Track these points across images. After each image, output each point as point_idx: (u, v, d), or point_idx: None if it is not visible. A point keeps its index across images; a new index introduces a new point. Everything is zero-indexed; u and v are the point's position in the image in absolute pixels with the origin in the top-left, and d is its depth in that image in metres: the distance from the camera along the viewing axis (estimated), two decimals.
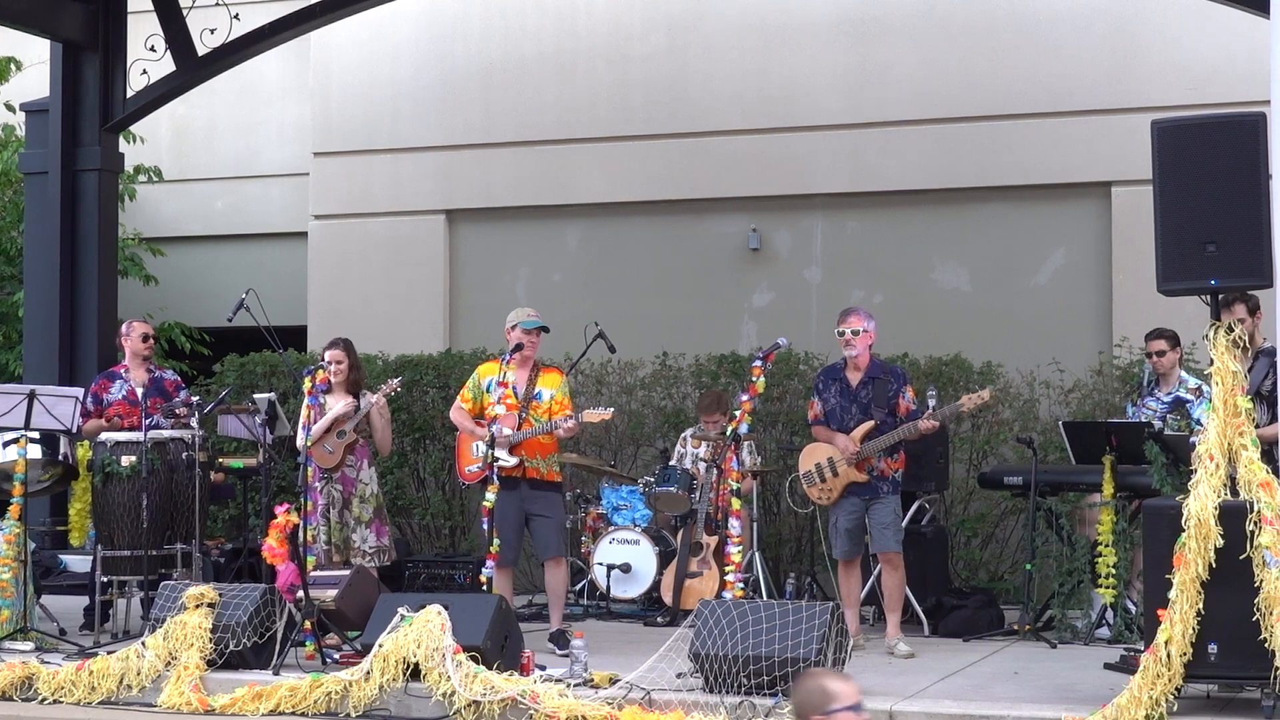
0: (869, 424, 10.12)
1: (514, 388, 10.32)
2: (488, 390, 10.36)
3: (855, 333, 10.17)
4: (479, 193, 15.34)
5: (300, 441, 10.64)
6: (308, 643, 9.68)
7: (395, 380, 11.17)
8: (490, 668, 8.77)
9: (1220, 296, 8.00)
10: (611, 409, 10.46)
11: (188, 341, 16.84)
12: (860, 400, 10.23)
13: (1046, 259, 13.72)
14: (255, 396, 12.09)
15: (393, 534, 11.42)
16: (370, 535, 10.91)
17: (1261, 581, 7.43)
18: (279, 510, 9.92)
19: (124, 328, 11.78)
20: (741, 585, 9.82)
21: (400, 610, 9.12)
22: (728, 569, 9.88)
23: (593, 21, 15.01)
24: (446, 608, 9.06)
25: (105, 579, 10.83)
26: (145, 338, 11.65)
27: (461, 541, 14.09)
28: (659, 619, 11.59)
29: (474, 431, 10.33)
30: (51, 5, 13.61)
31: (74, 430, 10.94)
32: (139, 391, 11.40)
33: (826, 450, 10.28)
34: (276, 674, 9.28)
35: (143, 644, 9.52)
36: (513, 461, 10.18)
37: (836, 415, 10.29)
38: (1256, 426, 8.18)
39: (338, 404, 10.91)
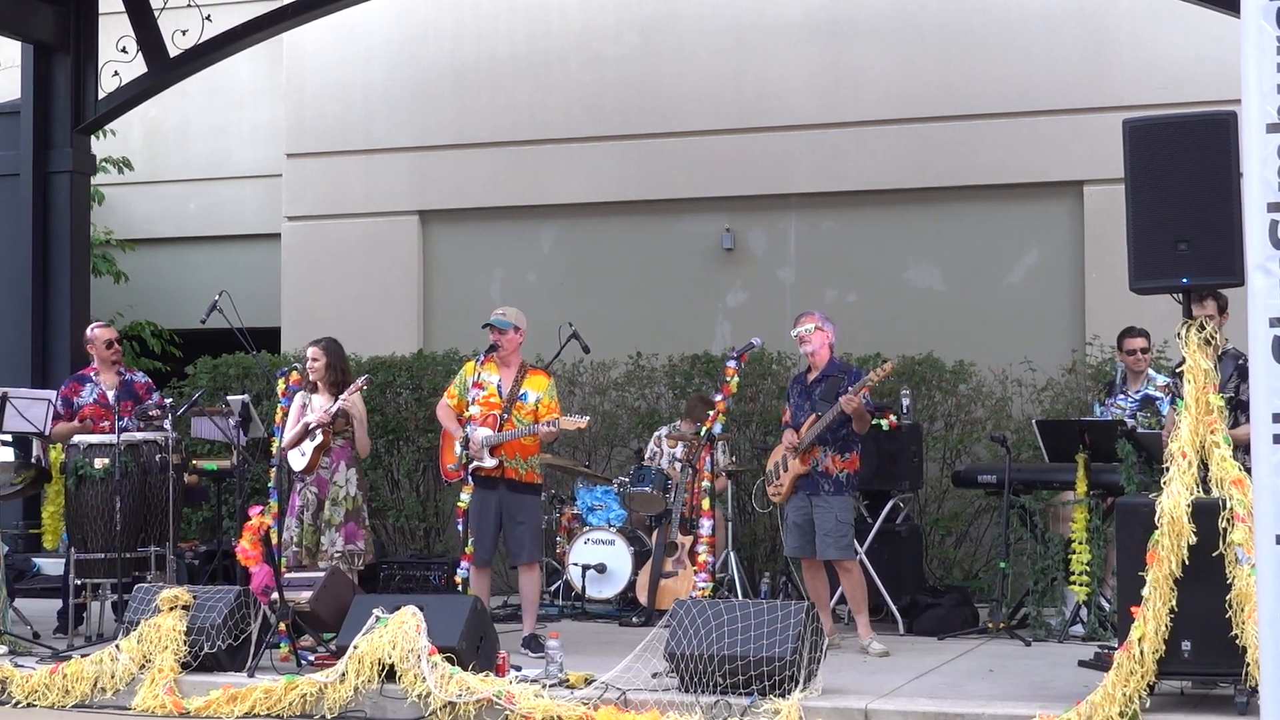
0: (812, 417, 10.13)
1: (499, 387, 10.29)
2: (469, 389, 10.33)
3: (809, 330, 10.19)
4: (453, 193, 15.32)
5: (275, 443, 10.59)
6: (282, 644, 9.66)
7: (361, 379, 11.01)
8: (466, 669, 8.77)
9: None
10: (587, 417, 10.43)
11: (157, 341, 16.83)
12: (813, 397, 10.24)
13: (1019, 258, 13.76)
14: (229, 398, 12.05)
15: (370, 538, 11.27)
16: (339, 539, 10.69)
17: (1234, 578, 7.46)
18: (253, 512, 9.89)
19: (88, 333, 11.69)
20: (704, 586, 9.78)
21: (375, 611, 9.11)
22: (693, 570, 9.88)
23: (566, 22, 15.01)
24: (422, 609, 9.05)
25: (79, 582, 10.79)
26: (109, 344, 11.57)
27: (436, 543, 14.08)
28: (634, 619, 11.60)
29: (455, 431, 10.29)
30: (22, 6, 13.56)
31: (46, 433, 10.90)
32: (110, 395, 11.36)
33: (782, 449, 10.34)
34: (251, 676, 9.26)
35: (117, 647, 9.49)
36: (493, 462, 10.16)
37: (795, 415, 10.33)
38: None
39: (318, 403, 10.84)
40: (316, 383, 10.88)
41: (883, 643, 10.08)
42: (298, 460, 10.64)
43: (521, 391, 10.30)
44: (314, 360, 10.95)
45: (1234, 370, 8.67)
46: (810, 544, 10.25)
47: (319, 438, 10.72)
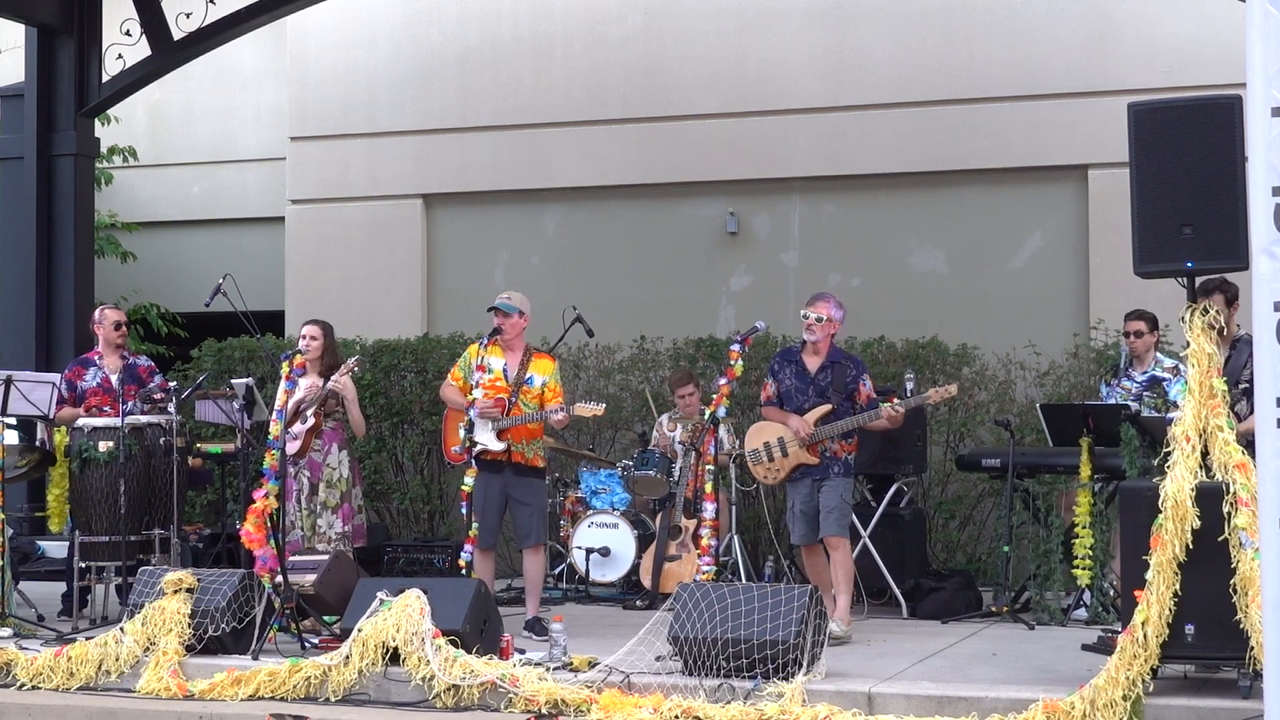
0: (825, 407, 10.01)
1: (505, 371, 10.28)
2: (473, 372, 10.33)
3: (820, 320, 10.06)
4: (456, 177, 15.33)
5: (273, 427, 10.59)
6: (273, 625, 9.64)
7: (353, 360, 10.98)
8: (469, 652, 8.79)
9: (1200, 283, 7.98)
10: (603, 405, 10.41)
11: (163, 324, 16.85)
12: (818, 384, 10.10)
13: (1023, 242, 13.75)
14: (233, 381, 12.07)
15: (366, 519, 11.25)
16: (336, 521, 10.76)
17: (1238, 562, 7.46)
18: (257, 495, 9.89)
19: (96, 314, 11.71)
20: (708, 569, 9.75)
21: (379, 595, 9.12)
22: (697, 554, 9.86)
23: (569, 5, 15.00)
24: (426, 592, 9.06)
25: (83, 565, 10.81)
26: (117, 325, 11.57)
27: (440, 525, 14.10)
28: (638, 602, 11.61)
29: (464, 407, 10.25)
30: None
31: (50, 416, 10.90)
32: (113, 378, 11.35)
33: (777, 430, 10.14)
34: (256, 659, 9.28)
35: (121, 630, 9.50)
36: (500, 446, 10.16)
37: (792, 397, 10.17)
38: (1242, 419, 8.20)
39: (306, 385, 10.84)
40: (305, 364, 10.82)
41: (844, 628, 9.80)
42: (289, 443, 10.60)
43: (527, 376, 10.29)
44: (312, 339, 10.93)
45: (1248, 357, 8.63)
46: (817, 530, 10.23)
47: (310, 420, 10.72)
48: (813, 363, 10.19)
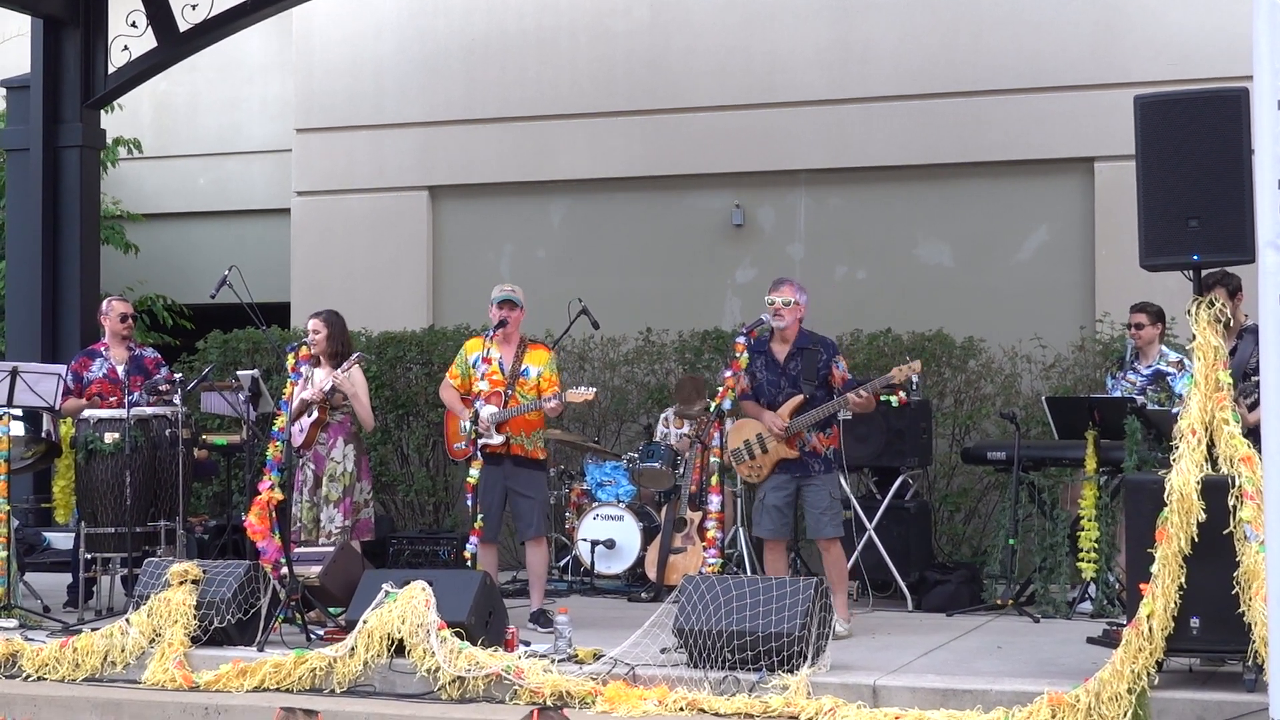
0: (798, 398, 9.80)
1: (500, 364, 10.30)
2: (474, 366, 10.32)
3: (786, 304, 9.82)
4: (462, 169, 15.32)
5: (279, 419, 10.58)
6: (279, 617, 9.64)
7: (355, 356, 10.91)
8: (475, 644, 8.78)
9: (1202, 277, 7.98)
10: (594, 389, 10.38)
11: (169, 316, 16.86)
12: (789, 374, 9.88)
13: (1029, 235, 13.74)
14: (239, 373, 12.05)
15: (369, 514, 11.22)
16: (337, 515, 10.72)
17: (1242, 556, 7.46)
18: (263, 487, 9.89)
19: (103, 306, 11.73)
20: (713, 562, 9.72)
21: (384, 586, 9.12)
22: (702, 546, 9.84)
23: None
24: (431, 584, 9.07)
25: (89, 556, 10.82)
26: (124, 317, 11.58)
27: (445, 518, 14.10)
28: (643, 595, 11.61)
29: (461, 412, 10.29)
30: None
31: (56, 408, 10.91)
32: (120, 370, 11.36)
33: (755, 426, 9.92)
34: (261, 650, 9.28)
35: (127, 621, 9.51)
36: (499, 439, 10.16)
37: (765, 390, 9.94)
38: (1251, 409, 8.19)
39: (319, 376, 10.84)
40: (319, 356, 10.86)
41: (846, 626, 9.74)
42: (294, 436, 10.60)
43: (523, 367, 10.30)
44: (315, 333, 10.94)
45: (1255, 347, 8.61)
46: (786, 526, 9.99)
47: (315, 414, 10.72)
48: (781, 351, 9.95)
